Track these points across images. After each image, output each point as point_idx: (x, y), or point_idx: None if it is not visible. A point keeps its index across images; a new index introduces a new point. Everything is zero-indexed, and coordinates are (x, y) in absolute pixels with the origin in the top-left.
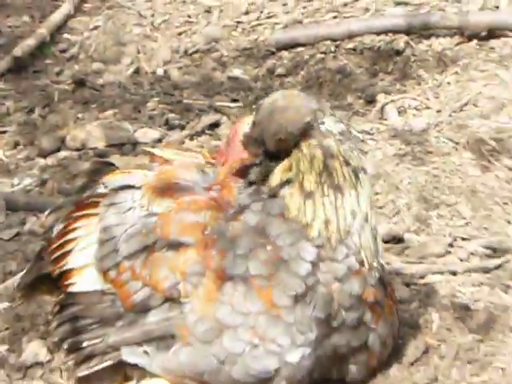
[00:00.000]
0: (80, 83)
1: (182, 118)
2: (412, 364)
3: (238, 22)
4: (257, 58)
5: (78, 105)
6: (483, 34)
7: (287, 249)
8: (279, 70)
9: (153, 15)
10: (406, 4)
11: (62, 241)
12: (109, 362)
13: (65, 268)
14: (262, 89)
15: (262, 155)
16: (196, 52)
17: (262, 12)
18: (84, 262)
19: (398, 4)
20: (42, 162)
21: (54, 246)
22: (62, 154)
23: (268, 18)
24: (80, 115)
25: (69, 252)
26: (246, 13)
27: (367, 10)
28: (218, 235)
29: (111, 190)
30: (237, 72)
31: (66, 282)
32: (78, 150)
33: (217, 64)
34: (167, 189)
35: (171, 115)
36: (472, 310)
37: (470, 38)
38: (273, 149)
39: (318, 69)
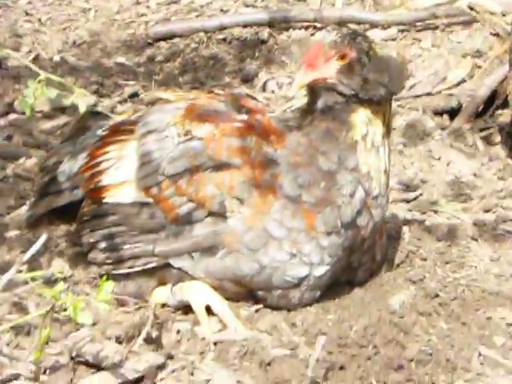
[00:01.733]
0: None
1: (107, 88)
2: (399, 265)
3: (114, 20)
4: (137, 48)
5: (8, 80)
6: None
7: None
8: (159, 58)
9: (37, 13)
10: (254, 6)
11: (94, 161)
12: (153, 264)
13: (100, 184)
14: (145, 73)
15: (352, 90)
16: (83, 43)
17: (132, 12)
18: (121, 180)
19: (247, 6)
20: None
21: (87, 165)
22: (12, 116)
23: (139, 16)
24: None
25: (103, 170)
26: (118, 12)
27: (222, 10)
28: (267, 159)
29: (145, 120)
30: (121, 59)
31: (102, 195)
32: (23, 113)
33: (103, 53)
34: (205, 115)
35: (95, 86)
36: (434, 223)
37: (321, 29)
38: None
39: (192, 56)
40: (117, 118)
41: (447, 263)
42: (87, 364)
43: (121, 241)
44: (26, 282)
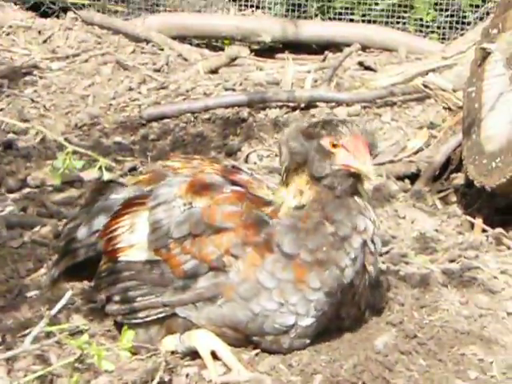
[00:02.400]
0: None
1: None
2: (380, 311)
3: (110, 105)
4: (131, 128)
5: (19, 159)
6: (303, 105)
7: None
8: (151, 136)
9: (42, 100)
10: (233, 90)
11: (111, 228)
12: (162, 314)
13: (116, 246)
14: (140, 150)
15: None
16: (84, 125)
17: (126, 97)
18: (134, 242)
19: (226, 89)
20: (11, 196)
21: (105, 232)
22: (26, 190)
23: (132, 101)
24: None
25: (119, 235)
26: (114, 98)
27: (205, 94)
28: (259, 220)
29: (155, 194)
30: (118, 138)
31: (118, 255)
32: (37, 187)
33: (101, 133)
34: (203, 189)
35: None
36: (407, 273)
37: (294, 108)
38: None
39: (181, 134)
40: (129, 184)
41: (422, 307)
42: None
43: (134, 294)
44: (47, 336)
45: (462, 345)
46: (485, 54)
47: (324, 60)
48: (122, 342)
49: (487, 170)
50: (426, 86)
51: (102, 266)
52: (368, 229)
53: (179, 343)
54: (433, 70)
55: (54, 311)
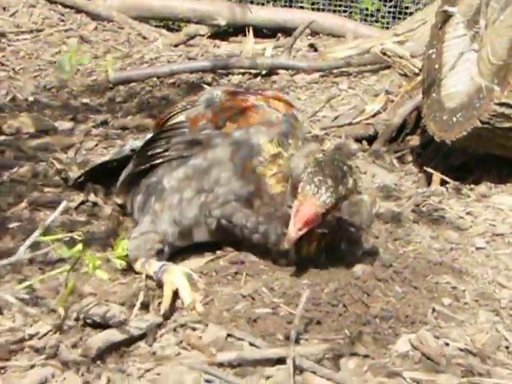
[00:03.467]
0: None
1: (79, 117)
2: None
3: (77, 70)
4: (99, 91)
5: None
6: (264, 72)
7: None
8: (118, 99)
9: (11, 64)
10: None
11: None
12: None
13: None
14: (107, 111)
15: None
16: (52, 88)
17: (92, 64)
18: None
19: (189, 59)
20: None
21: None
22: (1, 137)
23: (98, 67)
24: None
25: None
26: (80, 64)
27: (169, 62)
28: None
29: None
30: (86, 100)
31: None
32: (13, 134)
33: (70, 95)
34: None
35: (71, 116)
36: (379, 211)
37: (255, 75)
38: None
39: (147, 97)
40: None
41: (396, 240)
42: (94, 325)
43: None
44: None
45: (435, 274)
46: (445, 17)
47: (277, 40)
48: (117, 251)
49: (448, 125)
50: (384, 54)
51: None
52: None
53: (157, 271)
54: None
55: (48, 221)
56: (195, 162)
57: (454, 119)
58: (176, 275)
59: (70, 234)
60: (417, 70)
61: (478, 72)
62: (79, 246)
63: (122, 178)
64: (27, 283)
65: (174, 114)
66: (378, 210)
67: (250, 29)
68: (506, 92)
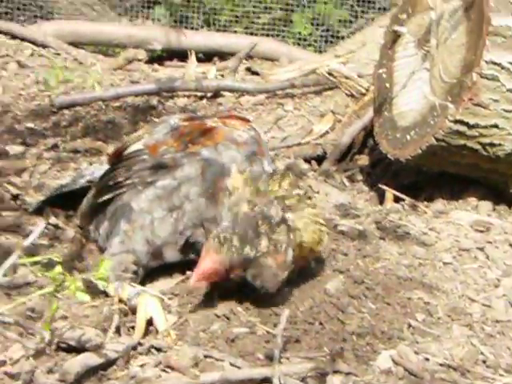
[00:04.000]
0: None
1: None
2: (324, 260)
3: (20, 95)
4: (43, 115)
5: None
6: (210, 94)
7: None
8: (63, 123)
9: None
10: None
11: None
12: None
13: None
14: (52, 135)
15: None
16: None
17: (34, 88)
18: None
19: (132, 82)
20: None
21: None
22: None
23: (41, 91)
24: None
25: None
26: (23, 89)
27: (112, 85)
28: None
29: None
30: (31, 125)
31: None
32: None
33: (14, 120)
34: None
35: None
36: (344, 229)
37: (201, 97)
38: None
39: (93, 121)
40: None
41: (365, 257)
42: (68, 349)
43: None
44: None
45: (406, 290)
46: (395, 37)
47: (214, 64)
48: (98, 272)
49: (401, 144)
50: (330, 74)
51: None
52: None
53: (130, 298)
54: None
55: (27, 242)
56: (164, 182)
57: (408, 137)
58: (149, 303)
59: (48, 256)
60: (363, 90)
61: (431, 90)
62: (59, 268)
63: (82, 208)
64: (8, 307)
65: (130, 144)
66: (285, 276)
67: (192, 52)
68: (460, 109)
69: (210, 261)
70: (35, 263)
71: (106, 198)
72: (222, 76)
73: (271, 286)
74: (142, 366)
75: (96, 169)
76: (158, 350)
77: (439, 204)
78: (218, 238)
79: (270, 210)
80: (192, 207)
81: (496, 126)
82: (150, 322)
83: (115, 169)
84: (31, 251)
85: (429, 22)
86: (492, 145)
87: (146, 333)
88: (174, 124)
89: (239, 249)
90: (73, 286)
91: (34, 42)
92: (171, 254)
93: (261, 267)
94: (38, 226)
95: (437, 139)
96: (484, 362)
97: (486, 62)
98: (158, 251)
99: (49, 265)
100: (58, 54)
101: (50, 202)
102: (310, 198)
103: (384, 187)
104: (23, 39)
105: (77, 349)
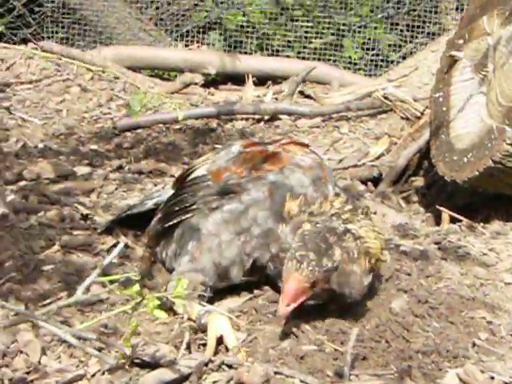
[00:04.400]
0: None
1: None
2: (387, 280)
3: (83, 117)
4: (106, 138)
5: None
6: (267, 117)
7: None
8: (125, 145)
9: (19, 113)
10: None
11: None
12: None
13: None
14: (115, 157)
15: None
16: (61, 135)
17: (97, 111)
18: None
19: (192, 105)
20: (10, 187)
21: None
22: (22, 182)
23: (104, 114)
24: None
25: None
26: (86, 112)
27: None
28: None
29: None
30: (94, 146)
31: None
32: (33, 180)
33: (78, 142)
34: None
35: (86, 161)
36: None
37: (258, 120)
38: None
39: (154, 143)
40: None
41: (428, 276)
42: (142, 365)
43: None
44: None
45: (469, 309)
46: (451, 62)
47: (268, 87)
48: (175, 291)
49: (458, 166)
50: (386, 98)
51: None
52: None
53: (199, 316)
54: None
55: (106, 261)
56: (231, 206)
57: (465, 159)
58: (219, 321)
59: (126, 275)
60: (418, 114)
61: (488, 114)
62: (137, 286)
63: (150, 231)
64: (86, 324)
65: (194, 170)
66: (369, 280)
67: (249, 76)
68: None
69: (293, 281)
70: (112, 281)
71: (172, 222)
72: (277, 99)
73: (358, 291)
74: (214, 382)
75: (163, 192)
76: (229, 366)
77: (496, 225)
78: (295, 257)
79: (332, 223)
80: (260, 230)
81: None
82: (219, 341)
83: (180, 194)
84: (104, 269)
85: (486, 47)
86: None
87: (217, 351)
88: (236, 150)
89: (318, 262)
90: (151, 304)
91: (92, 67)
92: (238, 275)
93: (346, 275)
94: (118, 245)
95: (494, 161)
96: None
97: None
98: (225, 272)
99: (125, 283)
100: (117, 78)
101: (119, 222)
102: (366, 213)
103: (441, 208)
104: (83, 63)
105: (151, 364)
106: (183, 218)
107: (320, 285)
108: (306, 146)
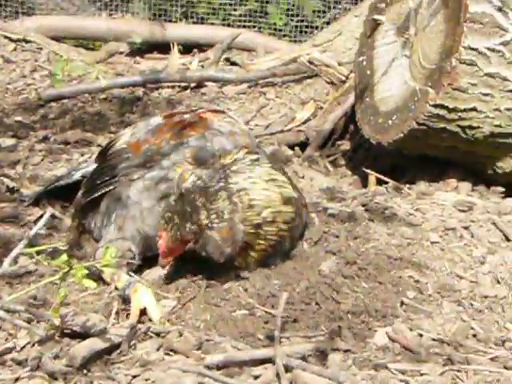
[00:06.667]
0: None
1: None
2: (316, 242)
3: (7, 89)
4: (31, 109)
5: None
6: (193, 85)
7: None
8: (51, 116)
9: None
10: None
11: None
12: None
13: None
14: (41, 128)
15: None
16: None
17: (21, 82)
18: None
19: (117, 74)
20: None
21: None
22: None
23: (28, 85)
24: None
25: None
26: (9, 83)
27: (97, 78)
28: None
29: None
30: (19, 118)
31: None
32: None
33: (2, 113)
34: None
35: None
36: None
37: (185, 88)
38: None
39: (80, 113)
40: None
41: (355, 238)
42: (72, 335)
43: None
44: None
45: (397, 269)
46: (374, 26)
47: (193, 55)
48: (104, 259)
49: (383, 128)
50: (311, 63)
51: None
52: None
53: (124, 287)
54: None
55: (33, 232)
56: (152, 173)
57: (390, 122)
58: (143, 294)
59: (53, 245)
60: (343, 78)
61: (411, 76)
62: (65, 256)
63: (76, 204)
64: (14, 295)
65: (114, 144)
66: (228, 250)
67: (175, 44)
68: (440, 94)
69: (163, 239)
70: (40, 252)
71: (96, 195)
72: (203, 67)
73: (216, 257)
74: (144, 349)
75: (90, 163)
76: (157, 334)
77: (421, 186)
78: (164, 218)
79: (211, 181)
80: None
81: (474, 109)
82: (144, 311)
83: (102, 168)
84: (31, 241)
85: (407, 10)
86: (471, 127)
87: (143, 320)
88: (155, 122)
89: (181, 226)
90: (79, 274)
91: (16, 38)
92: None
93: (206, 239)
94: (44, 216)
95: (418, 123)
96: (475, 336)
97: (464, 47)
98: (149, 240)
99: (53, 253)
100: (41, 49)
101: (46, 193)
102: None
103: (367, 171)
104: (5, 35)
105: (81, 334)
106: (106, 189)
107: (188, 243)
108: (223, 112)
